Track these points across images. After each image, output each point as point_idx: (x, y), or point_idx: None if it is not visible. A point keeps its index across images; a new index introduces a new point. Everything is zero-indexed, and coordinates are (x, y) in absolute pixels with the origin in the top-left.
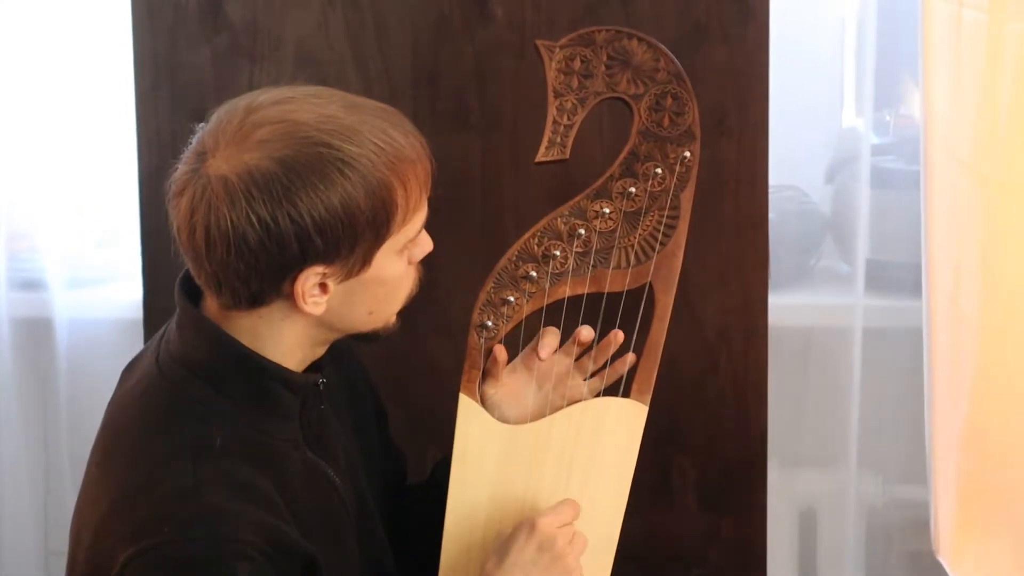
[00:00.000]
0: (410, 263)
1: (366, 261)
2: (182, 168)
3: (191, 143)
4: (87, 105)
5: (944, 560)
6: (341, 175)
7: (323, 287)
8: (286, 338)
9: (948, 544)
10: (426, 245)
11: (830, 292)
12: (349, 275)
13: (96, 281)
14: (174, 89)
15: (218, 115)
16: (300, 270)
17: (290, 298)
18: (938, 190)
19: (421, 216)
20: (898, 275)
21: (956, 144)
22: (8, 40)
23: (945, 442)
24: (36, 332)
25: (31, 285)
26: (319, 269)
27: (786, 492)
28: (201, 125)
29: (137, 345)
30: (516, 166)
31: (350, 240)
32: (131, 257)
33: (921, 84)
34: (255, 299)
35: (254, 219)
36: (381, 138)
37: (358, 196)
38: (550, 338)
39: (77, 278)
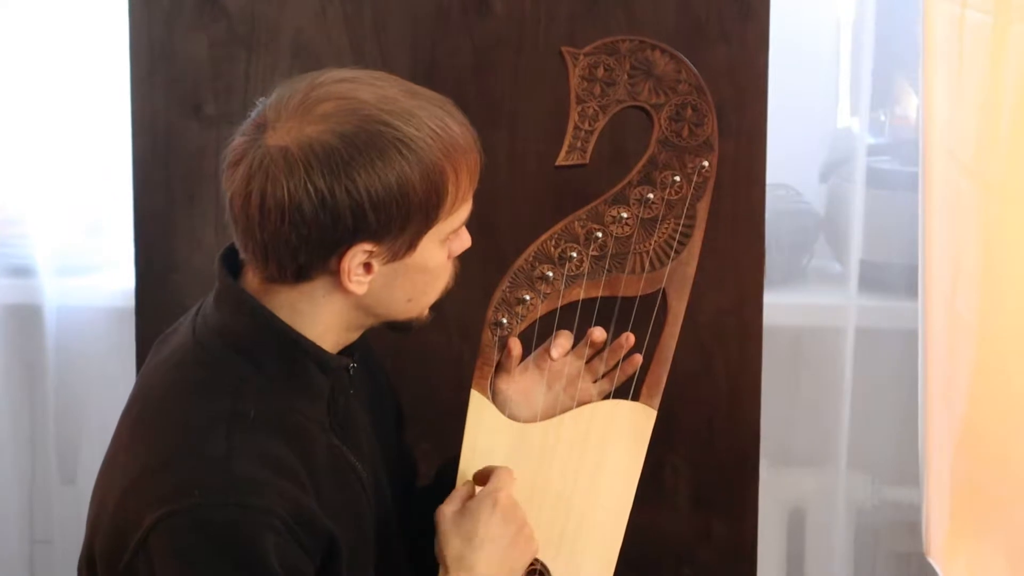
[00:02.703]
0: (449, 257)
1: (412, 245)
2: (240, 139)
3: (250, 116)
4: (79, 92)
5: (936, 562)
6: (399, 155)
7: (368, 267)
8: (324, 317)
9: (940, 546)
10: (465, 240)
11: (822, 292)
12: (394, 257)
13: (86, 269)
14: (169, 77)
15: (280, 91)
16: (349, 246)
17: (335, 275)
18: (936, 192)
19: (467, 208)
20: (891, 276)
21: (956, 146)
22: (1, 27)
23: (939, 444)
24: (25, 319)
25: (20, 271)
26: (367, 247)
27: (775, 491)
28: (262, 99)
29: (126, 333)
30: (513, 161)
31: (401, 220)
32: (121, 245)
33: (921, 85)
34: (300, 272)
35: (311, 189)
36: (438, 124)
37: (414, 177)
38: (563, 340)
39: (67, 265)
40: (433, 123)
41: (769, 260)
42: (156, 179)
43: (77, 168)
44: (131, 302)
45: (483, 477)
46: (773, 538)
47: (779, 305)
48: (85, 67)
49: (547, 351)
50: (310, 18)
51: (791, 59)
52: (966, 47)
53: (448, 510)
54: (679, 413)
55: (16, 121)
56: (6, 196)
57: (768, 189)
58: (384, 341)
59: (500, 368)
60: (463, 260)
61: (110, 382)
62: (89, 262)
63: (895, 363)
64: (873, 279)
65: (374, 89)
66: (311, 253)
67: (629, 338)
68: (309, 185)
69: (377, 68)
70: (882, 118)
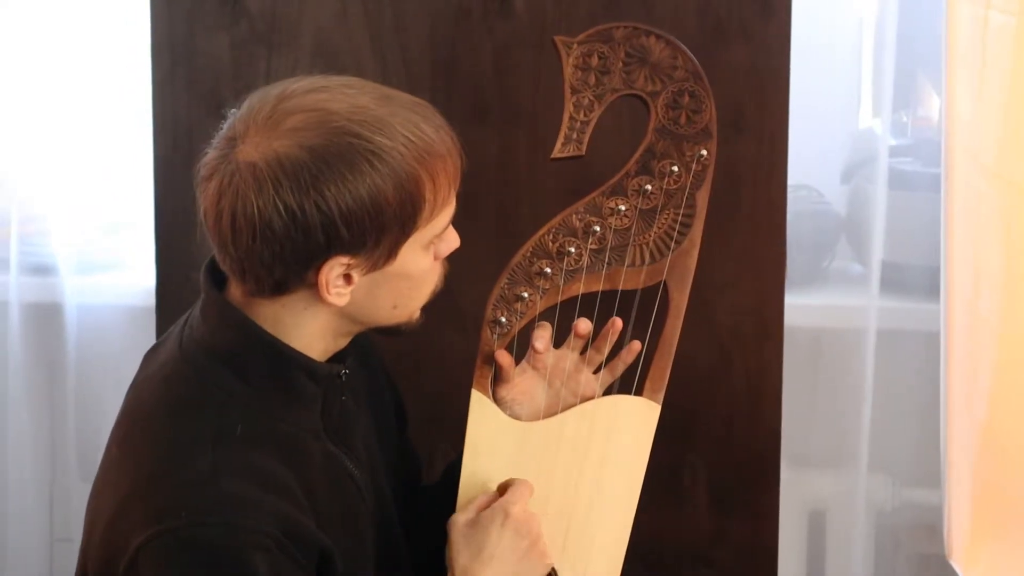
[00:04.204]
0: (436, 259)
1: (391, 254)
2: (212, 153)
3: (222, 128)
4: (100, 91)
5: (957, 564)
6: (370, 166)
7: (347, 278)
8: (309, 327)
9: (961, 549)
10: (453, 241)
11: (844, 293)
12: (374, 267)
13: (106, 267)
14: (191, 76)
15: (250, 101)
16: (324, 260)
17: (314, 287)
18: (959, 193)
19: (449, 212)
20: (913, 277)
21: (978, 147)
22: (22, 26)
23: (961, 446)
24: (45, 317)
25: (41, 270)
26: (344, 260)
27: (796, 493)
28: (233, 111)
29: (147, 332)
30: (533, 160)
31: (376, 232)
32: (142, 244)
33: (944, 87)
34: (279, 287)
35: (280, 207)
36: (412, 131)
37: (386, 188)
38: (542, 331)
39: (87, 263)
40: (407, 130)
41: (790, 261)
42: (177, 178)
43: (98, 167)
44: (151, 300)
45: (505, 488)
46: (793, 539)
47: (800, 306)
48: (106, 66)
49: (536, 344)
50: (331, 17)
51: (813, 59)
52: (989, 48)
53: (461, 519)
54: (699, 413)
55: (37, 120)
56: (27, 194)
57: (790, 190)
58: (400, 340)
59: (498, 379)
60: (483, 260)
61: (130, 380)
62: (109, 260)
63: (916, 365)
64: (895, 280)
65: (345, 98)
66: (286, 268)
67: (616, 323)
68: (278, 202)
69: (398, 67)
70: (904, 119)
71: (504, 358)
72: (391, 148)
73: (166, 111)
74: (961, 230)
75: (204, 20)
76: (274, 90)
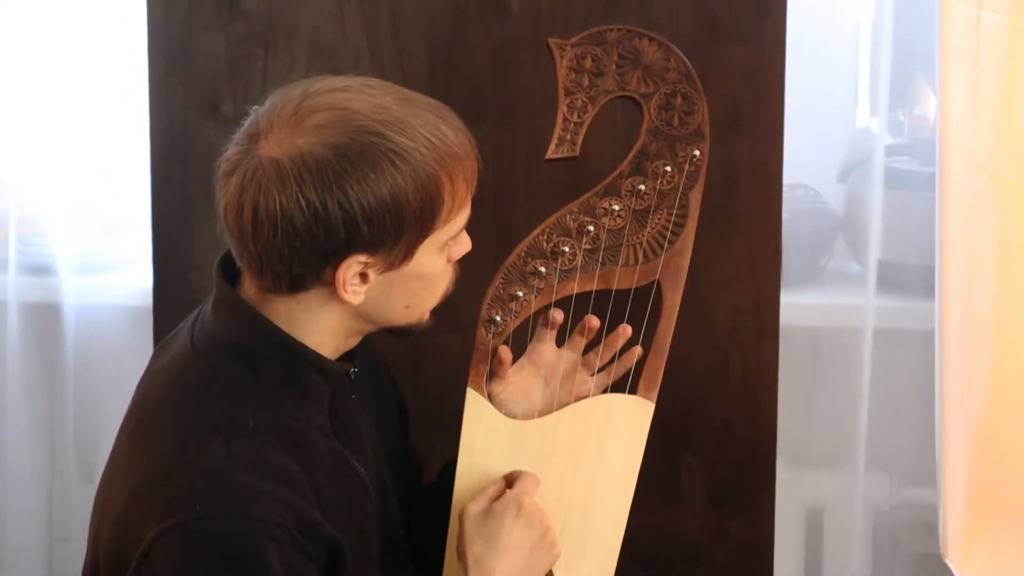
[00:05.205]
0: (449, 261)
1: (408, 254)
2: (233, 148)
3: (243, 124)
4: (97, 92)
5: (952, 563)
6: (392, 166)
7: (363, 277)
8: (322, 325)
9: (956, 547)
10: (465, 245)
11: (841, 292)
12: (390, 267)
13: (104, 267)
14: (187, 76)
15: (273, 99)
16: (344, 257)
17: (330, 285)
18: (953, 192)
19: (465, 214)
20: (910, 276)
21: (973, 147)
22: (21, 27)
23: (956, 445)
24: (44, 317)
25: (40, 270)
26: (362, 258)
27: (793, 492)
28: (255, 108)
29: (145, 333)
30: (530, 160)
31: (395, 231)
32: (139, 244)
33: (938, 86)
34: (295, 283)
35: (303, 203)
36: (433, 133)
37: (407, 188)
38: (555, 313)
39: (85, 264)
40: (427, 131)
41: (787, 260)
42: (174, 178)
43: (95, 167)
44: (149, 301)
45: (512, 480)
46: (791, 539)
47: (797, 305)
48: (103, 67)
49: (538, 343)
50: (327, 18)
51: (809, 59)
52: (982, 47)
53: (474, 509)
54: (696, 413)
55: (36, 120)
56: (26, 194)
57: (786, 189)
58: (399, 342)
59: (493, 374)
60: (481, 260)
61: (129, 380)
62: (108, 261)
63: (913, 364)
64: (891, 279)
65: (367, 98)
66: (305, 265)
67: (626, 330)
68: (301, 198)
69: (395, 67)
70: (901, 118)
71: (506, 354)
72: (413, 149)
73: (163, 111)
74: (956, 229)
75: (201, 20)
76: (297, 88)
